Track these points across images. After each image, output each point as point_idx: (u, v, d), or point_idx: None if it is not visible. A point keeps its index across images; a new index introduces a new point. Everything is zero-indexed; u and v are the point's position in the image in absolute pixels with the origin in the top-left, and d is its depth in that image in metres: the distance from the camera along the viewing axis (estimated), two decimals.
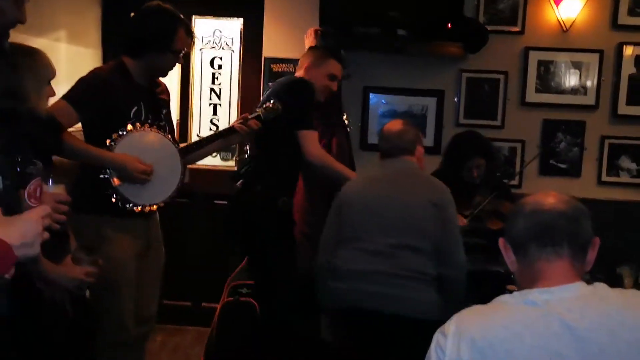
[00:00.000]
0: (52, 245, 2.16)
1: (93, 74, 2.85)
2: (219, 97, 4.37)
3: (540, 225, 1.56)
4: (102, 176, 2.76)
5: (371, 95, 4.48)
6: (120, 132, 2.78)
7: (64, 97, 2.72)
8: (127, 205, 2.81)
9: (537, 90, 4.36)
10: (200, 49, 4.36)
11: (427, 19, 4.02)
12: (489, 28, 4.21)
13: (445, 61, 4.37)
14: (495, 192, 3.59)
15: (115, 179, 2.77)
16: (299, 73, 3.50)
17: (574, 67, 4.33)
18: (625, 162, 4.37)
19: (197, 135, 4.37)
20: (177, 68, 4.32)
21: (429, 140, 4.36)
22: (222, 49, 4.37)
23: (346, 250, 2.80)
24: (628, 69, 4.30)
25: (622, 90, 4.31)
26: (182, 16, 2.90)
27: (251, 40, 4.36)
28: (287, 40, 4.27)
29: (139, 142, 2.83)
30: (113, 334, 2.84)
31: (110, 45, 4.28)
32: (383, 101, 4.49)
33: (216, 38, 4.37)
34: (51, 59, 2.35)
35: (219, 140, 3.11)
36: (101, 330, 2.84)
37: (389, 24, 4.03)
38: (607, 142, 4.36)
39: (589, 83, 4.33)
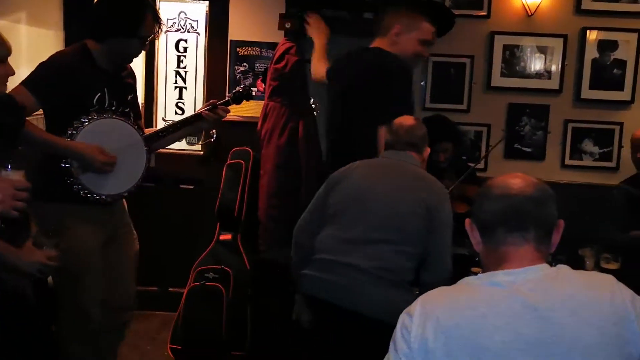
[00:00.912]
0: (11, 231, 2.13)
1: (54, 58, 2.77)
2: (184, 80, 4.32)
3: (508, 210, 1.57)
4: (62, 165, 2.70)
5: None
6: (82, 120, 2.71)
7: (23, 82, 2.65)
8: (89, 195, 2.76)
9: (503, 75, 4.39)
10: (166, 32, 4.29)
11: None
12: (455, 12, 4.20)
13: None
14: (461, 176, 3.62)
15: (76, 169, 2.71)
16: (383, 42, 3.21)
17: (538, 51, 4.37)
18: (588, 146, 4.43)
19: (163, 119, 4.32)
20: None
21: None
22: (188, 31, 4.31)
23: (323, 234, 2.64)
24: (591, 53, 4.35)
25: (585, 74, 4.36)
26: (149, 1, 2.84)
27: (217, 23, 4.30)
28: (253, 23, 4.23)
29: (101, 130, 2.76)
30: (75, 323, 2.81)
31: (72, 27, 4.19)
32: None
33: (181, 20, 4.31)
34: (11, 41, 2.29)
35: (185, 127, 3.06)
36: (64, 319, 2.81)
37: (356, 7, 4.01)
38: (570, 125, 4.42)
39: (553, 67, 4.37)
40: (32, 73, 2.70)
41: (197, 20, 4.32)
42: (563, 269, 1.54)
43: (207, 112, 3.02)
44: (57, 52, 2.87)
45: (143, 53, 4.20)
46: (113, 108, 2.82)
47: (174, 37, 4.32)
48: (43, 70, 2.70)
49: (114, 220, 2.96)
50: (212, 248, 3.85)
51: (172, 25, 4.32)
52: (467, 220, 1.65)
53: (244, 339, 3.71)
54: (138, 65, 4.25)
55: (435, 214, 2.56)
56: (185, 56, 4.33)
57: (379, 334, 1.83)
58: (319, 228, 2.67)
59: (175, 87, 4.34)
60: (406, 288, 2.49)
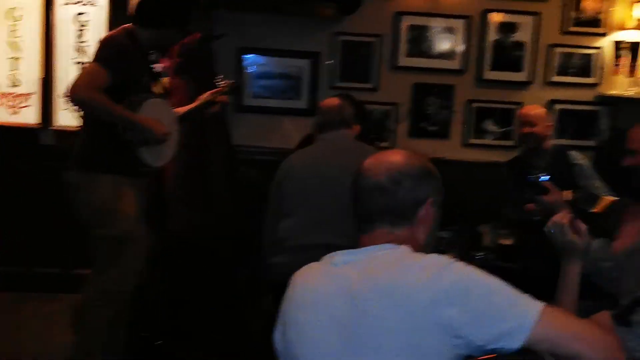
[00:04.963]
0: None
1: (115, 39, 2.99)
2: (84, 55, 4.16)
3: (356, 202, 1.60)
4: (125, 137, 2.90)
5: (246, 56, 4.42)
6: (138, 98, 2.95)
7: (96, 59, 2.89)
8: (141, 166, 3.01)
9: (409, 54, 4.46)
10: (65, 4, 4.12)
11: None
12: None
13: (320, 23, 4.38)
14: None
15: (137, 141, 2.94)
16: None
17: (443, 32, 4.46)
18: (490, 125, 4.58)
19: (62, 95, 4.15)
20: (39, 24, 4.10)
21: (303, 103, 4.37)
22: (88, 4, 4.14)
23: (286, 222, 2.77)
24: (493, 35, 4.48)
25: (487, 55, 4.50)
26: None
27: None
28: None
29: (154, 108, 3.03)
30: (120, 286, 3.03)
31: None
32: (259, 62, 4.45)
33: None
34: None
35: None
36: (105, 280, 3.01)
37: None
38: (473, 105, 4.55)
39: (457, 48, 4.47)
40: (100, 51, 2.92)
41: None
42: (399, 250, 1.50)
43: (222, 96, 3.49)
44: (112, 34, 3.07)
45: (40, 26, 4.06)
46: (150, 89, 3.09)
47: (72, 9, 4.14)
48: (112, 49, 2.92)
49: (145, 194, 3.20)
50: None
51: None
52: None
53: (153, 322, 3.65)
54: (33, 39, 4.08)
55: None
56: (85, 30, 4.16)
57: None
58: (278, 218, 2.80)
59: (76, 62, 4.17)
60: None
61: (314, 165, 2.84)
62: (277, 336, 1.60)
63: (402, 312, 1.36)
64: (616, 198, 2.76)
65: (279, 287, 2.65)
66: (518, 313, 1.33)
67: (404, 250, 1.49)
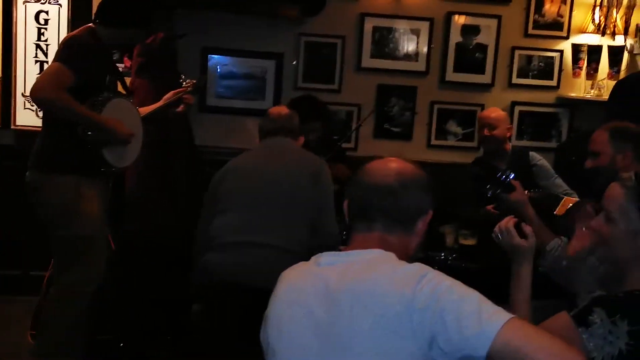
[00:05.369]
0: None
1: (78, 38, 2.96)
2: (45, 54, 4.09)
3: (356, 198, 1.63)
4: (87, 137, 2.88)
5: (210, 56, 4.40)
6: (100, 98, 2.92)
7: (60, 60, 2.86)
8: (103, 167, 2.99)
9: (372, 56, 4.48)
10: (24, 3, 4.06)
11: None
12: None
13: (285, 24, 4.38)
14: (329, 154, 3.67)
15: (98, 141, 2.91)
16: None
17: (407, 34, 4.49)
18: (452, 126, 4.62)
19: (22, 95, 4.09)
20: None
21: (267, 103, 4.36)
22: (49, 3, 4.08)
23: (220, 220, 2.77)
24: (456, 37, 4.52)
25: (450, 57, 4.54)
26: None
27: None
28: None
29: (118, 108, 3.00)
30: (84, 284, 3.00)
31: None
32: (223, 62, 4.43)
33: None
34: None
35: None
36: (73, 280, 2.99)
37: None
38: (436, 107, 4.59)
39: (420, 50, 4.50)
40: (63, 51, 2.91)
41: None
42: (382, 256, 1.53)
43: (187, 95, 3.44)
44: (75, 34, 3.04)
45: None
46: (114, 88, 3.10)
47: (33, 8, 4.08)
48: (75, 48, 2.90)
49: (107, 194, 3.18)
50: None
51: None
52: (345, 202, 1.69)
53: (108, 322, 3.61)
54: None
55: (319, 183, 2.81)
56: (46, 29, 4.10)
57: None
58: (212, 219, 2.80)
59: (36, 61, 4.11)
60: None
61: (253, 166, 2.88)
62: (262, 331, 1.64)
63: (376, 316, 1.40)
64: (577, 199, 2.82)
65: (208, 286, 2.69)
66: (484, 321, 1.35)
67: (388, 256, 1.53)
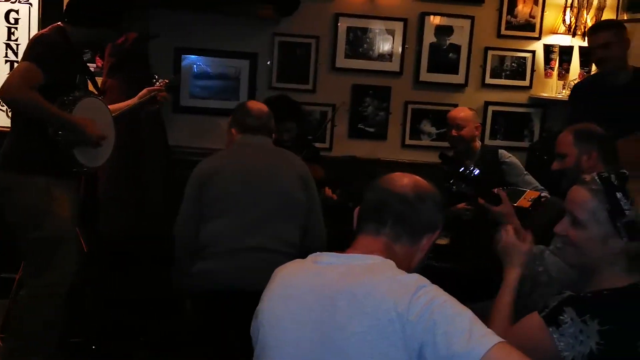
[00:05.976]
0: None
1: (47, 37, 2.92)
2: (15, 54, 4.04)
3: (373, 200, 1.64)
4: (58, 137, 2.84)
5: (184, 56, 4.38)
6: (71, 97, 2.88)
7: (29, 59, 2.81)
8: (75, 167, 2.95)
9: (347, 56, 4.49)
10: None
11: None
12: None
13: (259, 24, 4.37)
14: (303, 153, 3.66)
15: (68, 141, 2.86)
16: None
17: (381, 34, 4.50)
18: (426, 126, 4.64)
19: None
20: None
21: None
22: (19, 2, 4.03)
23: (210, 227, 2.71)
24: (429, 37, 4.54)
25: (424, 57, 4.55)
26: None
27: None
28: None
29: (89, 107, 2.97)
30: (53, 287, 2.96)
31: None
32: (197, 63, 4.41)
33: None
34: None
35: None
36: (41, 284, 2.96)
37: None
38: (410, 107, 4.60)
39: (394, 50, 4.52)
40: (32, 49, 2.87)
41: None
42: (383, 263, 1.55)
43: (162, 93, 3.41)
44: (44, 32, 2.99)
45: None
46: (85, 88, 3.06)
47: (3, 7, 4.02)
48: (44, 47, 2.86)
49: (78, 194, 3.17)
50: None
51: None
52: (356, 209, 1.70)
53: (81, 325, 3.57)
54: None
55: (308, 183, 2.83)
56: (16, 28, 4.04)
57: None
58: (197, 224, 2.75)
59: (6, 61, 4.05)
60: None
61: (241, 168, 2.82)
62: (254, 324, 1.65)
63: (372, 320, 1.42)
64: (542, 194, 2.82)
65: (206, 295, 2.64)
66: (473, 341, 1.36)
67: (388, 264, 1.54)
